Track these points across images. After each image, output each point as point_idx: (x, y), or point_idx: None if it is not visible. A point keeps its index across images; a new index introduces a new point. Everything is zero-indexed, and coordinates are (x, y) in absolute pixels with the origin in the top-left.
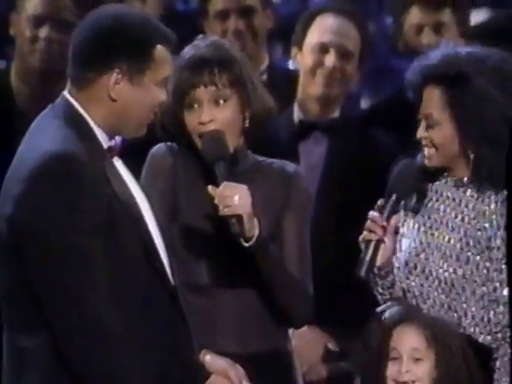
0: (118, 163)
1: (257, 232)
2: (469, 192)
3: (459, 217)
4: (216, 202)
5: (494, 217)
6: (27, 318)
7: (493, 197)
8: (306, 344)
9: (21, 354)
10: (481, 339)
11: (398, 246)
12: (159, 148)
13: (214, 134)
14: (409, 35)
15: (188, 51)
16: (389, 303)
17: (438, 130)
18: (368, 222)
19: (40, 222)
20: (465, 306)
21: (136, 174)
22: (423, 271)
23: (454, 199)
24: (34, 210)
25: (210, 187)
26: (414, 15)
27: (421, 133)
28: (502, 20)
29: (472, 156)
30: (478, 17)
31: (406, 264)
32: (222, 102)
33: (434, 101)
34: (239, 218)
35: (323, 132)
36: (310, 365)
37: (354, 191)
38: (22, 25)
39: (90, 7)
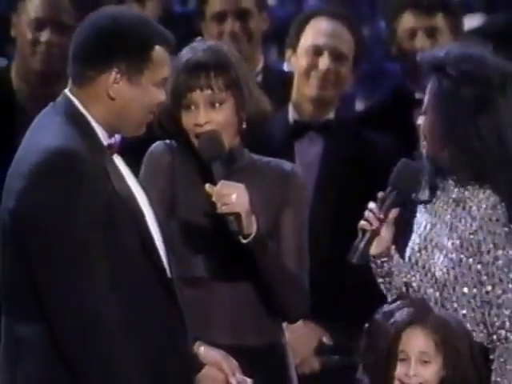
0: (118, 160)
1: (255, 229)
2: (466, 193)
3: (458, 217)
4: (214, 199)
5: (484, 221)
6: (26, 308)
7: (484, 201)
8: (300, 337)
9: (18, 343)
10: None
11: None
12: (158, 145)
13: (210, 134)
14: (402, 39)
15: (186, 54)
16: (398, 303)
17: (425, 119)
18: (366, 212)
19: (41, 216)
20: (455, 305)
21: (135, 171)
22: (423, 267)
23: (454, 199)
24: (35, 204)
25: (207, 185)
26: (407, 20)
27: (418, 121)
28: (499, 24)
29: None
30: (472, 21)
31: (410, 259)
32: (217, 105)
33: (428, 89)
34: (237, 215)
35: (318, 132)
36: (303, 358)
37: (349, 190)
38: (23, 27)
39: (89, 10)
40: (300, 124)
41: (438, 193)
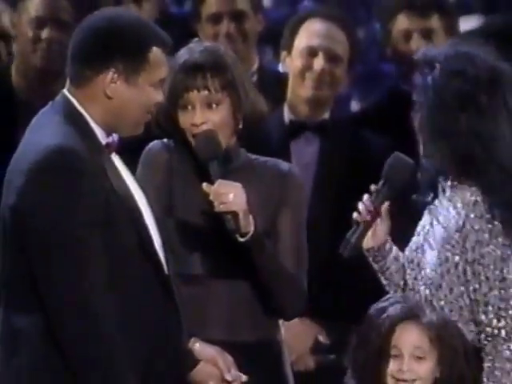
0: (116, 159)
1: (252, 228)
2: (456, 192)
3: (449, 216)
4: (211, 198)
5: (467, 218)
6: (24, 300)
7: (467, 198)
8: (296, 335)
9: (15, 335)
10: None
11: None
12: (155, 144)
13: (207, 133)
14: (397, 41)
15: (183, 54)
16: (391, 299)
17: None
18: (359, 204)
19: (40, 213)
20: (442, 303)
21: (133, 170)
22: (418, 265)
23: (448, 199)
24: (35, 202)
25: (204, 184)
26: (402, 22)
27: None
28: (498, 25)
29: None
30: (470, 23)
31: (407, 258)
32: (214, 105)
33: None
34: (234, 214)
35: (314, 132)
36: (299, 355)
37: (347, 190)
38: (24, 25)
39: (87, 8)
40: (296, 124)
41: (440, 193)
